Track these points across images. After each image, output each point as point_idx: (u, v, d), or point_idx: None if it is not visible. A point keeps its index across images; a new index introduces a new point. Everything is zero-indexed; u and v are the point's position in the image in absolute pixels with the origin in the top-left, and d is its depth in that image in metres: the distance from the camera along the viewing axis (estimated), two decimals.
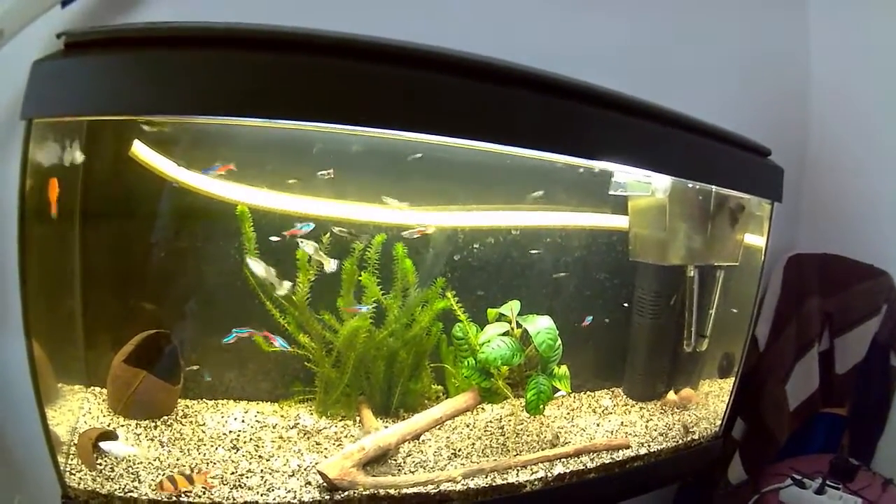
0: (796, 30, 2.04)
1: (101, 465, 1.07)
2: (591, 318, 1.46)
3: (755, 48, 1.94)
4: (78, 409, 1.21)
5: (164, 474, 1.06)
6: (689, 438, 1.45)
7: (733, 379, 1.51)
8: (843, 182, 2.01)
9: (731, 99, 1.80)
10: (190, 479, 1.04)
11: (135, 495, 1.01)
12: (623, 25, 1.68)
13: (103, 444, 1.09)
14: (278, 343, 1.25)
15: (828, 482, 1.64)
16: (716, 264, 1.53)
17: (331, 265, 1.23)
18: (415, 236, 1.29)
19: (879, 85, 1.91)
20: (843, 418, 1.89)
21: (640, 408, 1.57)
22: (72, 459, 1.06)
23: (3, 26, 1.12)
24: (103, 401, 1.25)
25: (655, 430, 1.45)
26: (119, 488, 1.02)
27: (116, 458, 1.10)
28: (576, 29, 1.61)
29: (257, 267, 1.21)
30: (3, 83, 1.07)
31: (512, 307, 1.29)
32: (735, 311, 1.57)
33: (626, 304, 1.58)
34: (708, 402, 1.60)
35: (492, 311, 1.33)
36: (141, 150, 1.16)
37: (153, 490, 1.03)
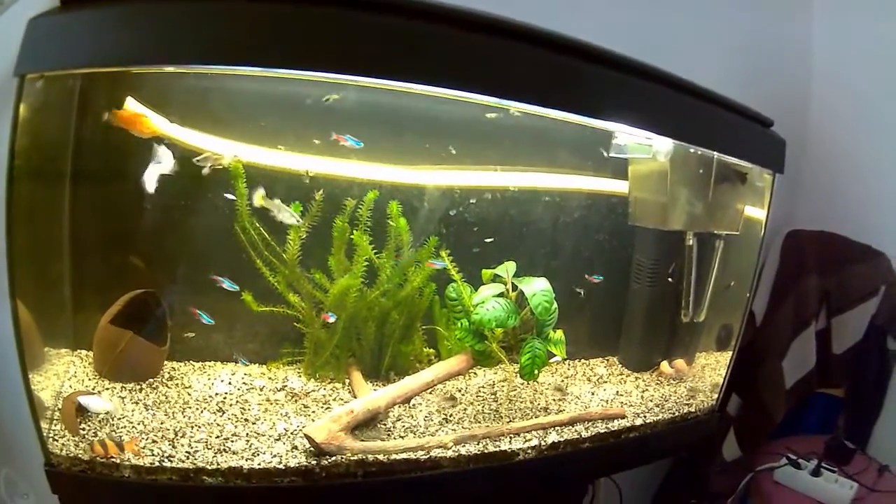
0: (799, 12, 2.03)
1: (84, 429, 1.04)
2: (601, 277, 1.43)
3: (758, 30, 1.93)
4: (63, 373, 1.18)
5: (150, 437, 1.05)
6: (688, 407, 1.43)
7: (731, 352, 1.49)
8: (843, 161, 2.01)
9: (734, 79, 1.78)
10: (120, 446, 1.01)
11: (116, 461, 0.99)
12: (625, 8, 1.67)
13: (81, 398, 1.07)
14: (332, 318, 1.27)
15: (823, 464, 1.63)
16: (716, 232, 1.50)
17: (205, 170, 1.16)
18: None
19: (880, 68, 1.91)
20: (839, 399, 1.89)
21: (636, 378, 1.55)
22: (56, 425, 1.03)
23: None
24: (90, 364, 1.22)
25: (651, 401, 1.43)
26: (101, 454, 0.99)
27: (94, 413, 1.08)
28: (581, 6, 1.60)
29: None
30: (6, 49, 1.04)
31: (507, 268, 1.26)
32: (733, 283, 1.55)
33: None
34: (704, 375, 1.58)
35: (486, 272, 1.31)
36: (132, 107, 1.13)
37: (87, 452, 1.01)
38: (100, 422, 1.07)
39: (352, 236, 1.27)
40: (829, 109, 2.03)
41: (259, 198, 1.18)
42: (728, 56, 1.86)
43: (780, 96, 1.91)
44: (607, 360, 1.63)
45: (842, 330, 1.84)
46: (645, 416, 1.35)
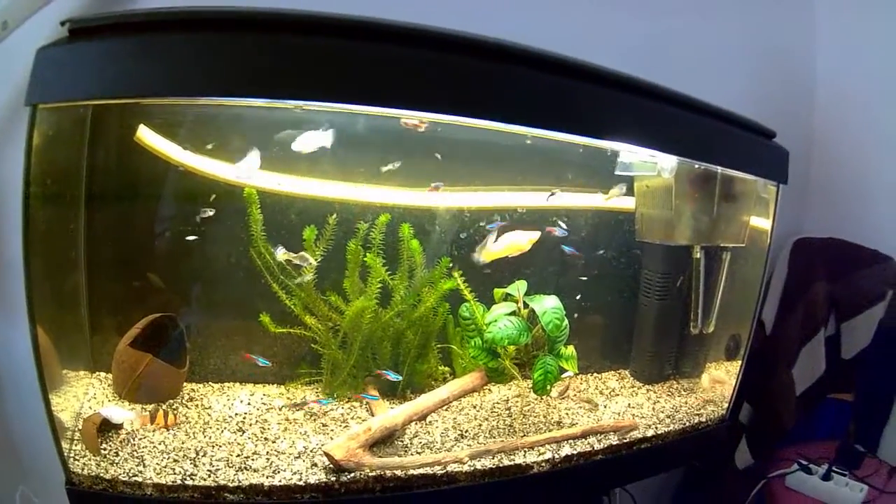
0: (803, 21, 2.04)
1: (105, 449, 1.07)
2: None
3: (762, 40, 1.94)
4: (83, 395, 1.21)
5: (172, 456, 1.09)
6: (699, 417, 1.45)
7: (740, 362, 1.50)
8: (849, 168, 2.02)
9: (740, 89, 1.80)
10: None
11: (139, 479, 1.01)
12: (634, 18, 1.70)
13: (103, 411, 1.11)
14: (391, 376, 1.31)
15: (834, 468, 1.64)
16: (722, 245, 1.52)
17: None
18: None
19: (885, 74, 1.92)
20: (849, 404, 1.89)
21: (647, 389, 1.57)
22: (76, 445, 1.06)
23: (6, 17, 1.12)
24: (108, 386, 1.25)
25: (662, 412, 1.44)
26: (123, 472, 1.02)
27: (117, 422, 1.12)
28: (587, 21, 1.62)
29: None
30: (9, 74, 1.06)
31: (519, 287, 1.28)
32: (742, 293, 1.56)
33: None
34: (715, 385, 1.59)
35: (498, 291, 1.33)
36: (146, 135, 1.16)
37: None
38: (121, 442, 1.10)
39: (365, 258, 1.29)
40: (833, 116, 2.03)
41: (282, 255, 1.22)
42: (731, 66, 1.87)
43: (784, 106, 1.93)
44: (619, 372, 1.64)
45: (850, 335, 1.84)
46: (656, 428, 1.37)
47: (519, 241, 1.25)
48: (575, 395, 1.46)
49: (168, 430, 1.16)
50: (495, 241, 1.25)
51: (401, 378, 1.32)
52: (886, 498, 1.61)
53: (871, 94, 1.96)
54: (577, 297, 1.49)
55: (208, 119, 1.22)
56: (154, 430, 1.16)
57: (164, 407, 1.22)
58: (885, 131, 1.91)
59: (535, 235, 1.26)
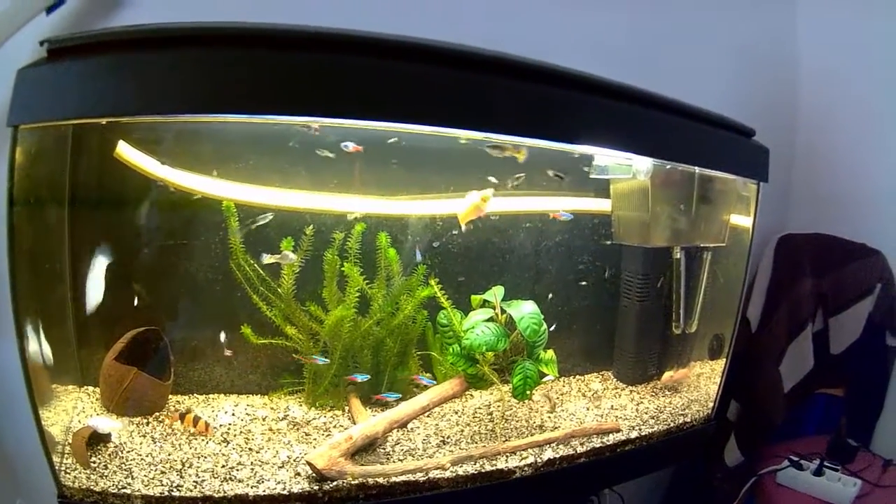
0: (785, 17, 2.04)
1: (94, 462, 1.08)
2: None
3: (745, 38, 1.94)
4: (72, 409, 1.22)
5: (159, 468, 1.09)
6: (684, 417, 1.45)
7: (724, 360, 1.50)
8: (834, 163, 2.01)
9: (721, 88, 1.81)
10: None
11: (128, 492, 1.02)
12: (616, 18, 1.70)
13: (90, 421, 1.13)
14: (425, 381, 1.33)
15: (826, 463, 1.64)
16: (701, 245, 1.52)
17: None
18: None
19: (867, 68, 1.92)
20: (839, 399, 1.89)
21: (631, 391, 1.57)
22: (67, 459, 1.07)
23: None
24: (97, 399, 1.26)
25: (646, 414, 1.45)
26: (113, 485, 1.03)
27: (104, 431, 1.14)
28: (569, 22, 1.63)
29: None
30: None
31: (496, 293, 1.28)
32: (725, 292, 1.56)
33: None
34: (699, 384, 1.59)
35: (475, 298, 1.33)
36: (125, 150, 1.17)
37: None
38: (109, 455, 1.11)
39: (342, 268, 1.29)
40: (816, 112, 2.03)
41: (268, 259, 1.24)
42: (712, 65, 1.87)
43: (766, 103, 1.93)
44: (602, 374, 1.64)
45: (839, 330, 1.84)
46: (640, 429, 1.37)
47: (474, 200, 1.24)
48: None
49: (199, 435, 1.20)
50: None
51: (435, 382, 1.34)
52: (880, 492, 1.61)
53: (854, 89, 1.95)
54: (553, 300, 1.50)
55: (187, 133, 1.23)
56: (184, 432, 1.20)
57: (195, 412, 1.25)
58: (869, 126, 1.90)
59: (489, 192, 1.24)
